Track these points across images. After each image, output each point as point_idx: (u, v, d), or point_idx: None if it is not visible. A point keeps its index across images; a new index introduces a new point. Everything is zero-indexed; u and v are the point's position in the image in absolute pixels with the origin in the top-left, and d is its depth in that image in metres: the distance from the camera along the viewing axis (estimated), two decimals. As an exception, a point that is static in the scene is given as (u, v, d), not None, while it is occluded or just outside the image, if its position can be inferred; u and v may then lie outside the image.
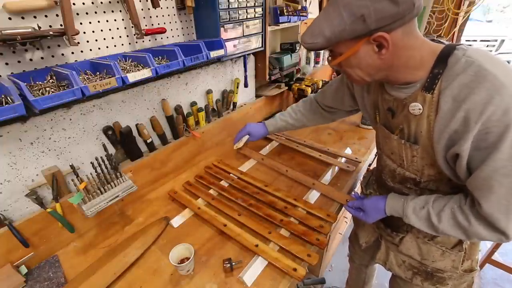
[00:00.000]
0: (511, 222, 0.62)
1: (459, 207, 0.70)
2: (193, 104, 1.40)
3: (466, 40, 4.78)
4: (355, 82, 0.76)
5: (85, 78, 0.89)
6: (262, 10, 1.42)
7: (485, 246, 1.95)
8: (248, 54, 1.55)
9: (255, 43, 1.48)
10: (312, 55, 2.33)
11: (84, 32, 0.92)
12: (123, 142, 1.14)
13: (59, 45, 0.88)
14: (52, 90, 0.81)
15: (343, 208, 1.07)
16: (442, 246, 0.86)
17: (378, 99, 0.83)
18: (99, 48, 0.98)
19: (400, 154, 0.81)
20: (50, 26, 0.84)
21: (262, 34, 1.50)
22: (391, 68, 0.67)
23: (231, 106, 1.64)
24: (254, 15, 1.39)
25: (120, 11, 1.00)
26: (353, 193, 1.15)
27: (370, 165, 1.51)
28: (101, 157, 0.99)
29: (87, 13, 0.91)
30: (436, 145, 0.68)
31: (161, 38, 1.17)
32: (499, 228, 0.64)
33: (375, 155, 1.63)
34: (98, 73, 0.92)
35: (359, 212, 0.95)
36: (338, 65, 0.72)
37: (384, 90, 0.78)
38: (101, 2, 0.94)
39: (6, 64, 0.79)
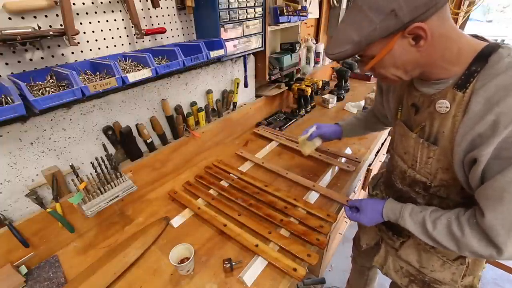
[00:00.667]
0: (509, 239, 0.59)
1: (456, 217, 0.68)
2: (193, 104, 1.40)
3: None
4: (391, 83, 0.72)
5: (85, 78, 0.89)
6: (262, 10, 1.42)
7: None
8: (248, 54, 1.55)
9: (255, 43, 1.48)
10: (312, 55, 2.33)
11: (84, 32, 0.92)
12: (123, 142, 1.14)
13: (59, 45, 0.88)
14: (52, 90, 0.81)
15: (343, 208, 1.07)
16: (443, 256, 0.83)
17: (404, 95, 0.79)
18: (99, 48, 0.98)
19: (414, 154, 0.77)
20: (50, 26, 0.84)
21: (262, 34, 1.50)
22: (428, 62, 0.62)
23: (231, 106, 1.64)
24: (254, 15, 1.39)
25: (120, 11, 1.00)
26: (350, 197, 1.16)
27: (370, 165, 1.51)
28: (101, 157, 1.00)
29: (87, 13, 0.91)
30: (457, 148, 0.63)
31: (161, 38, 1.17)
32: (496, 243, 0.60)
33: (375, 155, 1.63)
34: (98, 73, 0.92)
35: (355, 213, 0.93)
36: (371, 69, 0.68)
37: (412, 86, 0.75)
38: (101, 2, 0.93)
39: (6, 64, 0.79)
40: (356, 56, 0.67)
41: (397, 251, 0.94)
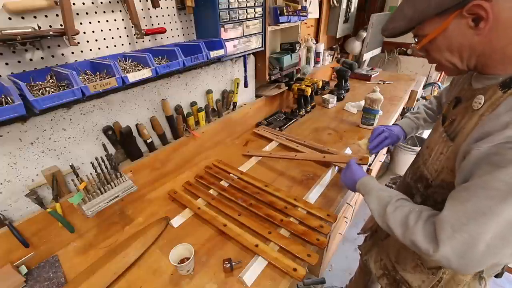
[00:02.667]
0: (450, 240, 0.54)
1: (419, 211, 0.65)
2: (193, 104, 1.40)
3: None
4: (446, 71, 0.66)
5: (85, 78, 0.89)
6: (262, 10, 1.42)
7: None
8: (248, 54, 1.55)
9: (255, 43, 1.47)
10: (312, 55, 2.33)
11: (84, 32, 0.92)
12: (123, 142, 1.14)
13: (59, 45, 0.88)
14: (52, 90, 0.81)
15: (343, 208, 1.08)
16: (418, 259, 0.83)
17: (459, 90, 0.75)
18: (99, 48, 0.98)
19: (432, 149, 0.75)
20: (50, 26, 0.84)
21: (262, 34, 1.50)
22: (487, 52, 0.56)
23: (231, 106, 1.64)
24: (254, 15, 1.38)
25: (120, 11, 0.99)
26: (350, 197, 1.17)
27: (370, 165, 1.51)
28: (101, 157, 1.00)
29: (87, 13, 0.91)
30: (463, 144, 0.60)
31: (161, 38, 1.17)
32: (437, 239, 0.56)
33: (375, 155, 1.63)
34: (98, 73, 0.92)
35: (344, 169, 0.99)
36: (425, 51, 0.63)
37: (468, 79, 0.70)
38: (101, 2, 0.93)
39: (6, 64, 0.79)
40: (413, 38, 0.63)
41: (382, 241, 0.96)
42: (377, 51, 2.90)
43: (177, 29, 1.22)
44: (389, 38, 0.67)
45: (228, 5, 1.22)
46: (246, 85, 1.63)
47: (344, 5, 2.43)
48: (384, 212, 0.70)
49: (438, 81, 2.96)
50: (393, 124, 1.16)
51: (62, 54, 0.90)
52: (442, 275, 0.79)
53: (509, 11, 0.50)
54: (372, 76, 2.68)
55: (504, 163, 0.49)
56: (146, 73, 0.93)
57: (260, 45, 1.52)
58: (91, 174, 1.00)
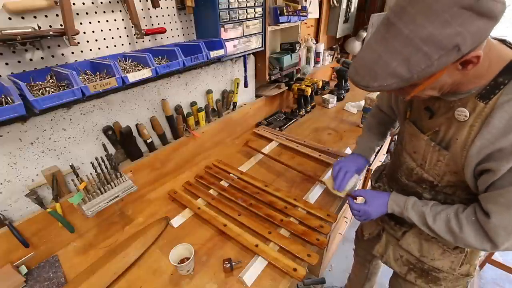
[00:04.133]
0: (507, 240, 0.64)
1: (455, 214, 0.71)
2: (193, 104, 1.40)
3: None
4: (420, 100, 0.70)
5: (85, 78, 0.89)
6: (262, 10, 1.42)
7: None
8: (248, 54, 1.55)
9: (255, 43, 1.47)
10: (312, 55, 2.33)
11: (84, 32, 0.92)
12: (123, 142, 1.14)
13: (59, 45, 0.88)
14: (52, 90, 0.81)
15: (343, 208, 1.07)
16: (443, 245, 0.86)
17: (420, 100, 0.77)
18: (99, 48, 0.98)
19: (424, 155, 0.78)
20: (50, 26, 0.84)
21: (262, 34, 1.50)
22: (464, 80, 0.60)
23: (231, 106, 1.64)
24: (254, 15, 1.38)
25: (120, 11, 0.99)
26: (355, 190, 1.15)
27: (370, 165, 1.51)
28: (101, 157, 1.00)
29: (87, 13, 0.91)
30: (471, 158, 0.63)
31: (161, 38, 1.17)
32: (494, 241, 0.65)
33: (375, 155, 1.63)
34: (98, 73, 0.92)
35: (361, 206, 0.91)
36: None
37: None
38: (101, 2, 0.93)
39: (6, 64, 0.79)
40: None
41: (398, 240, 0.95)
42: (377, 51, 2.89)
43: (177, 29, 1.22)
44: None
45: (228, 5, 1.22)
46: (246, 85, 1.63)
47: (344, 5, 2.43)
48: (426, 224, 0.76)
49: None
50: (350, 154, 1.14)
51: (62, 54, 0.90)
52: (467, 249, 0.84)
53: (485, 46, 0.55)
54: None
55: None
56: (146, 73, 0.93)
57: (260, 45, 1.52)
58: (91, 174, 1.00)
